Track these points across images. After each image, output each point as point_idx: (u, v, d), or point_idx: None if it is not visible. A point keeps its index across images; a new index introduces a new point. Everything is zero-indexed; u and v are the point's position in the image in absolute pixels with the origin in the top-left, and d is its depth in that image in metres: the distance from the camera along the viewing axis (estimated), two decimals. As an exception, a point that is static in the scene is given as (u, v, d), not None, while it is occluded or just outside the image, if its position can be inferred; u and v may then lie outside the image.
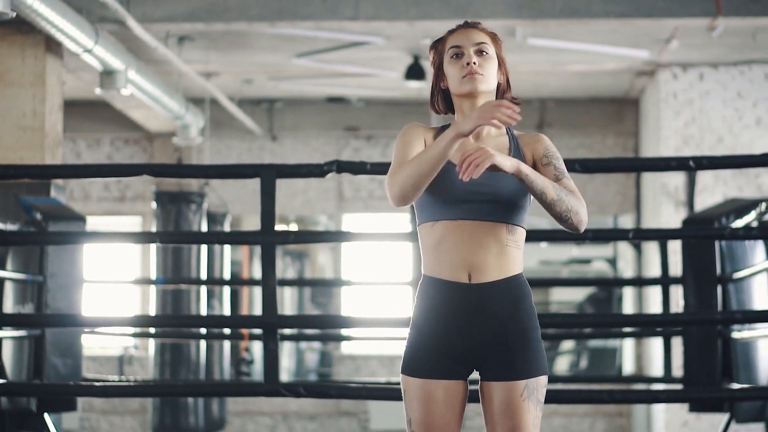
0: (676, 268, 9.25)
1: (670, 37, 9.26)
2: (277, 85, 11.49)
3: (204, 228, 10.02)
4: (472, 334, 3.33)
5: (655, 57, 10.11)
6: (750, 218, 6.46)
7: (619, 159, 10.17)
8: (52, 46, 8.20)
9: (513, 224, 3.36)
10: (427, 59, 9.93)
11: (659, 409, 10.42)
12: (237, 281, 11.61)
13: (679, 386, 7.67)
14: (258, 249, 12.03)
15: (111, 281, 11.55)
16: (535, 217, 5.13)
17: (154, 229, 10.27)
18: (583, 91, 11.95)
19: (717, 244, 6.52)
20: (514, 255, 3.36)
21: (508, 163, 3.21)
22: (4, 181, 7.54)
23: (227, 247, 10.72)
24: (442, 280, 3.35)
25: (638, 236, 5.67)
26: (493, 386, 3.33)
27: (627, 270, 12.91)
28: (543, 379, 3.34)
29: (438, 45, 3.50)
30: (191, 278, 9.80)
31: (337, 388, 5.95)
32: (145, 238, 8.35)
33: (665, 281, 8.16)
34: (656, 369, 10.77)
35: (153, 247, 10.17)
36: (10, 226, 6.51)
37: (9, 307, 6.87)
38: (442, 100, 3.53)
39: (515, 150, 3.41)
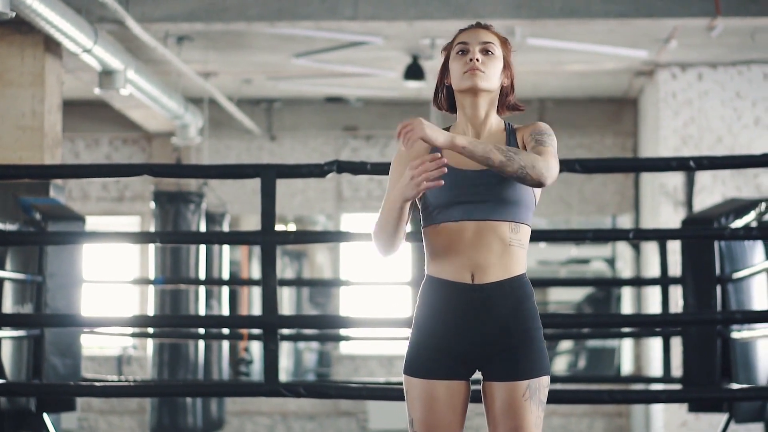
0: (675, 268, 9.25)
1: (669, 37, 9.26)
2: (276, 85, 11.48)
3: (203, 228, 10.01)
4: (474, 334, 3.33)
5: (654, 57, 10.12)
6: (749, 218, 6.46)
7: (620, 159, 10.17)
8: (51, 46, 8.20)
9: (517, 222, 3.35)
10: (426, 59, 9.94)
11: (658, 409, 10.42)
12: (236, 281, 11.60)
13: (678, 386, 7.67)
14: (257, 249, 12.04)
15: (110, 281, 11.54)
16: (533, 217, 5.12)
17: (152, 229, 10.26)
18: (582, 91, 11.96)
19: (716, 244, 6.52)
20: (517, 255, 3.35)
21: (441, 138, 3.19)
22: (3, 181, 7.53)
23: (226, 247, 10.72)
24: (445, 281, 3.35)
25: (638, 236, 5.68)
26: (496, 386, 3.33)
27: (625, 270, 12.91)
28: (545, 380, 3.33)
29: (448, 45, 3.50)
30: (190, 278, 9.79)
31: (337, 388, 5.94)
32: (145, 238, 8.35)
33: (665, 281, 8.16)
34: (655, 369, 10.77)
35: (151, 247, 10.16)
36: (10, 226, 6.50)
37: (8, 307, 6.86)
38: (446, 97, 3.53)
39: (512, 144, 3.41)
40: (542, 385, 3.33)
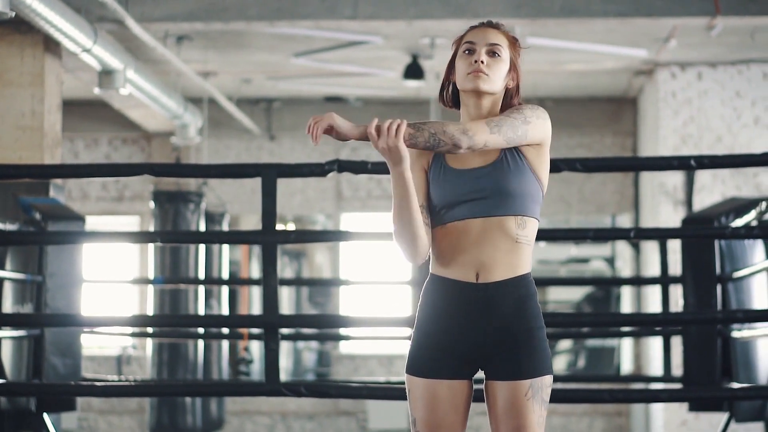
0: (674, 267, 9.25)
1: (669, 36, 9.26)
2: (276, 84, 11.48)
3: (202, 228, 10.01)
4: (477, 333, 3.33)
5: (654, 56, 10.12)
6: (750, 217, 6.46)
7: (621, 158, 10.16)
8: (51, 45, 8.19)
9: (523, 215, 3.34)
10: (426, 58, 9.94)
11: (658, 409, 10.42)
12: (236, 281, 11.60)
13: (678, 385, 7.66)
14: (257, 248, 12.04)
15: (109, 281, 11.54)
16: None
17: (152, 228, 10.26)
18: (582, 90, 11.95)
19: (716, 243, 6.52)
20: (524, 252, 3.34)
21: (347, 127, 3.21)
22: (3, 181, 7.53)
23: (226, 247, 10.71)
24: (449, 280, 3.34)
25: (639, 235, 5.68)
26: (498, 385, 3.33)
27: (625, 269, 12.91)
28: (548, 379, 3.34)
29: (458, 40, 3.49)
30: (190, 278, 9.79)
31: (338, 387, 5.95)
32: (145, 237, 8.34)
33: (665, 280, 8.16)
34: (654, 368, 10.77)
35: (151, 247, 10.16)
36: (9, 226, 6.50)
37: (8, 306, 6.86)
38: (451, 94, 3.53)
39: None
40: (545, 384, 3.33)
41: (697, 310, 6.55)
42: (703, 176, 10.42)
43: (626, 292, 12.60)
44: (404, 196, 3.27)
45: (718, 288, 6.55)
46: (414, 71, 9.99)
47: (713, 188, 10.39)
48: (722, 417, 7.00)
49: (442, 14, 8.31)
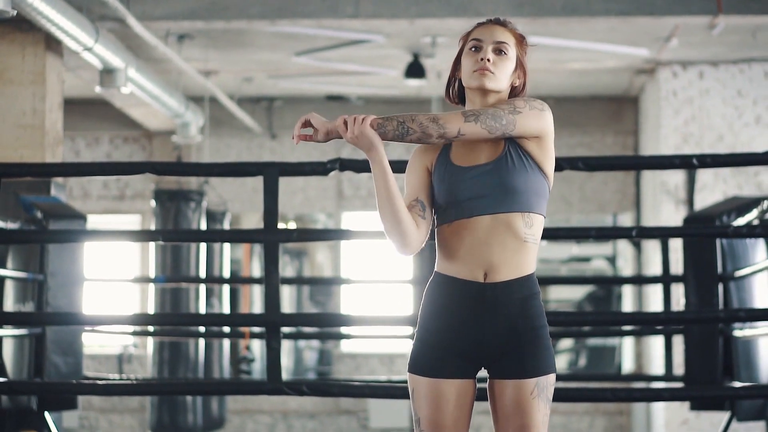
0: (676, 266, 9.25)
1: (670, 35, 9.26)
2: (277, 83, 11.48)
3: (203, 226, 10.00)
4: (482, 332, 3.33)
5: (655, 55, 10.11)
6: (751, 216, 6.46)
7: (622, 157, 10.16)
8: (52, 44, 8.19)
9: (529, 212, 3.34)
10: (427, 57, 9.94)
11: (659, 408, 10.42)
12: (237, 279, 11.60)
13: (679, 384, 7.66)
14: (258, 247, 12.04)
15: (111, 280, 11.54)
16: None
17: (153, 227, 10.26)
18: (583, 89, 11.95)
19: (718, 242, 6.52)
20: (530, 252, 3.35)
21: (320, 122, 3.29)
22: (4, 180, 7.52)
23: (227, 246, 10.71)
24: (456, 279, 3.34)
25: (641, 234, 5.67)
26: (503, 384, 3.33)
27: (626, 268, 12.90)
28: (552, 377, 3.34)
29: (465, 36, 3.50)
30: (191, 276, 9.78)
31: (340, 386, 5.94)
32: (148, 236, 8.34)
33: (666, 279, 8.15)
34: (656, 367, 10.76)
35: (152, 246, 10.15)
36: (11, 225, 6.50)
37: (9, 305, 6.86)
38: (457, 90, 3.53)
39: (514, 141, 3.39)
40: (549, 383, 3.33)
41: (698, 309, 6.55)
42: (704, 175, 10.42)
43: (627, 291, 12.60)
44: (380, 184, 3.32)
45: (720, 287, 6.55)
46: (415, 70, 9.99)
47: (714, 187, 10.39)
48: (724, 416, 7.00)
49: (444, 13, 8.31)
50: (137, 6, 8.28)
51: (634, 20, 8.38)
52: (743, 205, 6.63)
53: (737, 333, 6.51)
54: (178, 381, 8.92)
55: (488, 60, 3.39)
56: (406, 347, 11.84)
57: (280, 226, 10.27)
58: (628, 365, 12.27)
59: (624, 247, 13.03)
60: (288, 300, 13.72)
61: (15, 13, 6.47)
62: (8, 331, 6.58)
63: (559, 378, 3.33)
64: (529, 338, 3.32)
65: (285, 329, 8.41)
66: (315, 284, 14.37)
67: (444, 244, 3.38)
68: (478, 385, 3.42)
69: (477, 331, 3.33)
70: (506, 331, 3.32)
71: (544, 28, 8.89)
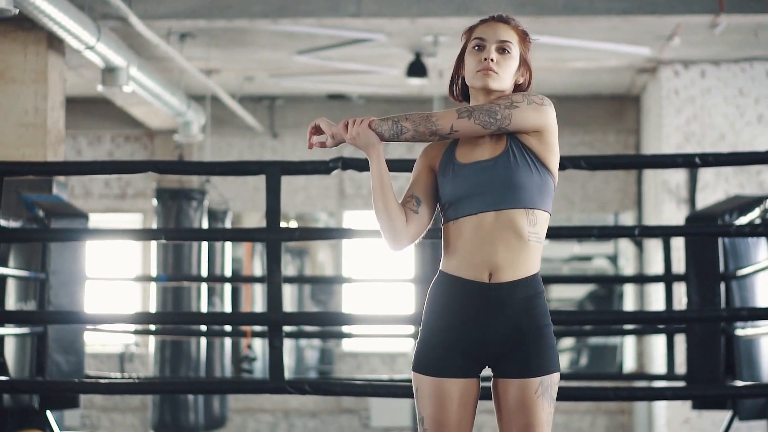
0: (677, 266, 9.24)
1: (672, 34, 9.25)
2: (278, 82, 11.48)
3: (205, 225, 10.00)
4: (487, 331, 3.33)
5: (657, 54, 10.11)
6: (753, 215, 6.45)
7: (625, 156, 10.14)
8: (54, 43, 8.19)
9: (533, 209, 3.33)
10: (429, 56, 9.93)
11: (661, 406, 10.42)
12: (239, 278, 11.60)
13: (681, 383, 7.66)
14: (259, 246, 12.04)
15: (112, 278, 11.53)
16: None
17: (154, 226, 10.25)
18: (585, 88, 11.95)
19: (720, 241, 6.52)
20: (535, 251, 3.34)
21: (327, 125, 3.37)
22: (6, 178, 7.52)
23: (228, 244, 10.71)
24: (461, 278, 3.34)
25: (644, 233, 5.67)
26: (508, 383, 3.33)
27: (627, 267, 12.90)
28: (556, 376, 3.34)
29: (468, 32, 3.50)
30: (192, 275, 9.78)
31: (343, 385, 5.94)
32: (150, 235, 8.33)
33: (668, 278, 8.15)
34: (657, 366, 10.77)
35: (154, 245, 10.15)
36: (13, 223, 6.50)
37: (11, 304, 6.86)
38: (461, 87, 3.53)
39: (515, 138, 3.39)
40: (553, 381, 3.33)
41: (700, 308, 6.55)
42: (706, 174, 10.42)
43: (629, 290, 12.59)
44: (375, 181, 3.39)
45: (722, 286, 6.55)
46: (417, 69, 9.98)
47: (716, 186, 10.38)
48: (725, 415, 7.00)
49: (446, 12, 8.31)
50: (139, 5, 8.28)
51: (635, 19, 8.37)
52: (745, 204, 6.63)
53: (739, 332, 6.51)
54: (180, 380, 8.92)
55: (492, 60, 3.39)
56: (408, 346, 11.85)
57: (282, 225, 10.29)
58: (629, 364, 12.27)
59: (625, 246, 13.02)
60: (289, 299, 13.72)
61: (17, 11, 6.47)
62: (10, 330, 6.58)
63: (560, 377, 3.33)
64: (534, 337, 3.32)
65: (286, 328, 8.41)
66: (316, 283, 14.38)
67: (449, 243, 3.38)
68: (482, 384, 3.42)
69: (481, 330, 3.32)
70: (510, 330, 3.32)
71: (546, 27, 8.89)
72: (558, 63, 10.48)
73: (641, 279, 10.43)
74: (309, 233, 8.83)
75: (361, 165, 5.39)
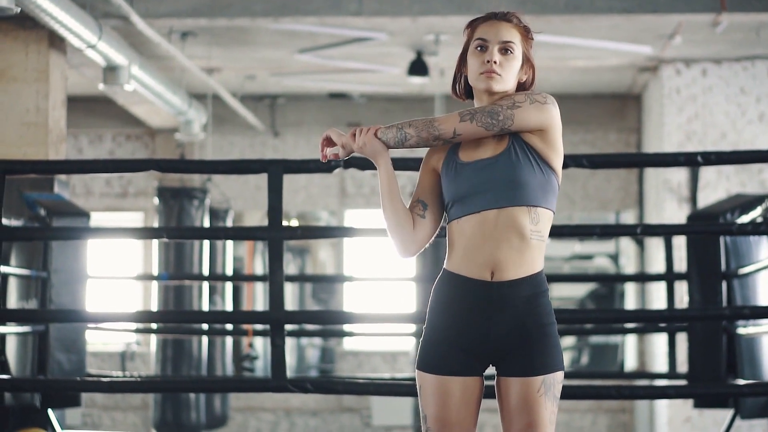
0: (679, 264, 9.24)
1: (674, 32, 9.25)
2: (280, 80, 11.48)
3: (206, 224, 10.00)
4: (490, 330, 3.32)
5: (658, 53, 10.11)
6: (755, 214, 6.45)
7: (627, 154, 10.14)
8: (56, 41, 8.19)
9: (535, 206, 3.33)
10: (431, 55, 9.93)
11: (662, 405, 10.42)
12: (240, 277, 11.60)
13: (683, 382, 7.66)
14: (260, 245, 12.04)
15: (114, 277, 11.53)
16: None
17: (156, 225, 10.25)
18: (586, 86, 11.95)
19: (722, 239, 6.52)
20: (537, 250, 3.34)
21: (337, 135, 3.42)
22: (8, 177, 7.52)
23: (230, 243, 10.70)
24: (464, 277, 3.34)
25: (646, 232, 5.67)
26: (511, 382, 3.32)
27: (629, 266, 12.89)
28: (559, 375, 3.34)
29: (470, 28, 3.48)
30: (194, 274, 9.78)
31: (345, 384, 5.95)
32: (151, 233, 8.33)
33: (670, 277, 8.15)
34: (659, 365, 10.76)
35: (155, 243, 10.15)
36: (14, 222, 6.50)
37: (13, 302, 6.86)
38: (464, 85, 3.52)
39: (518, 136, 3.39)
40: (556, 380, 3.33)
41: (702, 306, 6.54)
42: (707, 173, 10.41)
43: (630, 289, 12.59)
44: (383, 188, 3.43)
45: (723, 284, 6.55)
46: (418, 68, 9.98)
47: (717, 185, 10.38)
48: (727, 414, 7.00)
49: (447, 11, 8.31)
50: (140, 3, 8.28)
51: (637, 18, 8.37)
52: (747, 202, 6.63)
53: (741, 330, 6.51)
54: (182, 378, 8.92)
55: (495, 62, 3.38)
56: (409, 345, 11.85)
57: (283, 223, 10.26)
58: (631, 363, 12.26)
59: (627, 244, 13.02)
60: (291, 298, 13.72)
61: (18, 10, 6.47)
62: (12, 329, 6.58)
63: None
64: (537, 336, 3.32)
65: (288, 327, 8.41)
66: (318, 282, 14.37)
67: (452, 241, 3.38)
68: (485, 383, 3.41)
69: (483, 329, 3.32)
70: (514, 328, 3.32)
71: (547, 26, 8.88)
72: (559, 62, 10.48)
73: (642, 278, 10.43)
74: (310, 232, 8.83)
75: (363, 164, 5.39)
